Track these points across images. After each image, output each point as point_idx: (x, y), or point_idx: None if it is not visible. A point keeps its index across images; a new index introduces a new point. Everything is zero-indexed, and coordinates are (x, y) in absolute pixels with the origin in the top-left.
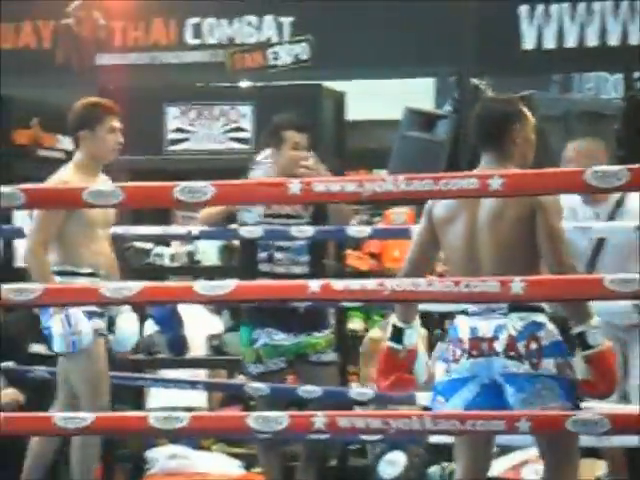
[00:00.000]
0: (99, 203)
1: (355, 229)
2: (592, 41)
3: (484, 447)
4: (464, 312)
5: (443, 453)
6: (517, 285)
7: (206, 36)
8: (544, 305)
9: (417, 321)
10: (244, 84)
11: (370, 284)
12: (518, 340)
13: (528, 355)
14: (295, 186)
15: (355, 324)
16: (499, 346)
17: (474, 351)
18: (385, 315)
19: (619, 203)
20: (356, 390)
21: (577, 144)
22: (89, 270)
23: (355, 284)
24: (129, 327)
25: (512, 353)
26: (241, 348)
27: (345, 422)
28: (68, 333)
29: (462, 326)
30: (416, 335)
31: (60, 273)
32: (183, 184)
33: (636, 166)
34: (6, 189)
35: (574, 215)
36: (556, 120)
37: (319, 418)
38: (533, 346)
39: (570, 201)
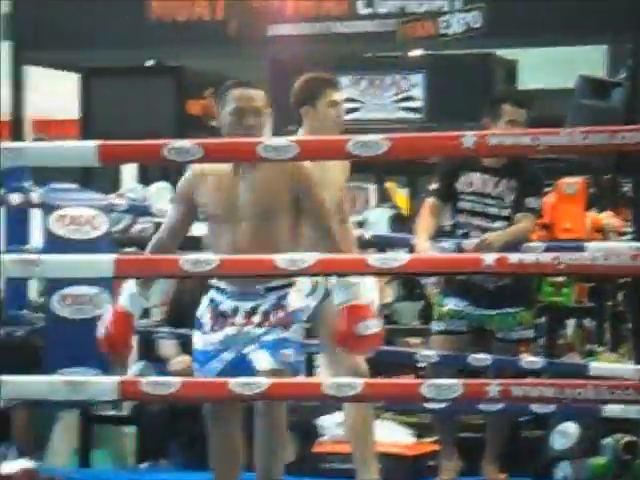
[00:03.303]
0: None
1: None
2: None
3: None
4: (219, 289)
5: (616, 425)
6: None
7: (377, 6)
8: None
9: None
10: (414, 53)
11: (544, 257)
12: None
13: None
14: (469, 139)
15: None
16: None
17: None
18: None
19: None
20: (527, 359)
21: None
22: None
23: (530, 258)
24: None
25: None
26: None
27: (519, 391)
28: None
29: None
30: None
31: None
32: (356, 137)
33: None
34: (184, 143)
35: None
36: None
37: (493, 387)
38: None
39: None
